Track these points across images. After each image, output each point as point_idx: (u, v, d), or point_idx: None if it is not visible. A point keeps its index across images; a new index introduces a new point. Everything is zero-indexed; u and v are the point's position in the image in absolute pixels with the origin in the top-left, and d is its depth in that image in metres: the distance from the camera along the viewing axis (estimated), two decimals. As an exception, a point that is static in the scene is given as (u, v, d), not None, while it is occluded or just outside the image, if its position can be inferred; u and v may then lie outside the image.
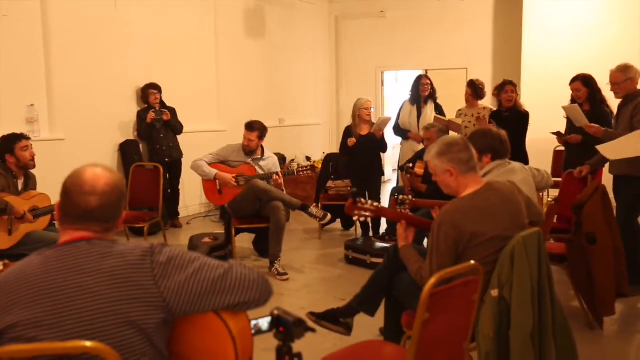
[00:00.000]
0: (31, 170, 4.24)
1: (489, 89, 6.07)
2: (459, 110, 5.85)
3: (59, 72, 5.60)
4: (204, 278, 1.51)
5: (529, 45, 7.98)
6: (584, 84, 4.60)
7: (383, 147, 5.73)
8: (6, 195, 3.88)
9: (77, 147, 5.69)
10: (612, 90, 4.26)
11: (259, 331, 1.66)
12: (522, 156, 4.89)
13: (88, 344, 1.34)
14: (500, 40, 8.85)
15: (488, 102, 6.29)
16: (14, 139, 4.06)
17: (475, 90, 5.70)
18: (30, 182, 4.24)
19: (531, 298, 2.34)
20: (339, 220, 6.22)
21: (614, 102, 4.51)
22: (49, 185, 4.39)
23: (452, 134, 5.26)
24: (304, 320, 1.72)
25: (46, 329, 1.39)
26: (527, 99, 6.09)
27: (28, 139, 4.16)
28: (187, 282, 1.50)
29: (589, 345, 3.34)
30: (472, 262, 2.08)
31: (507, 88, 5.31)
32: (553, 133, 4.88)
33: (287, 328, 1.69)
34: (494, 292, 2.34)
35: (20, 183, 4.15)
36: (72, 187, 1.55)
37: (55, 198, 4.15)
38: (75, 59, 5.74)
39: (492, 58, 8.95)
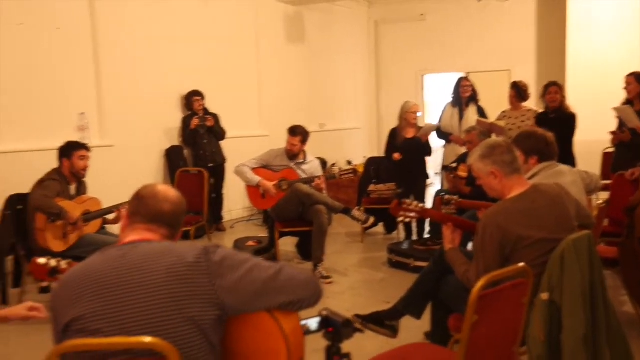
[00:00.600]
0: (81, 176, 4.40)
1: (533, 91, 5.95)
2: (503, 112, 5.75)
3: (108, 82, 5.80)
4: (255, 278, 1.56)
5: (574, 44, 7.79)
6: (637, 80, 4.49)
7: (428, 151, 5.73)
8: (61, 200, 4.04)
9: (126, 153, 5.89)
10: None
11: (308, 331, 1.69)
12: (569, 158, 4.78)
13: (147, 339, 1.40)
14: (544, 40, 8.67)
15: (532, 104, 6.16)
16: (75, 146, 4.22)
17: (519, 92, 5.59)
18: (82, 187, 4.39)
19: (583, 302, 2.29)
20: (381, 224, 6.22)
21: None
22: (99, 189, 4.59)
23: (494, 136, 5.19)
24: (353, 321, 1.75)
25: (109, 322, 1.46)
26: (573, 100, 5.93)
27: (88, 150, 4.29)
28: (240, 282, 1.54)
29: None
30: (521, 264, 2.06)
31: (551, 89, 5.20)
32: (611, 132, 4.79)
33: (336, 328, 1.71)
34: (544, 296, 2.30)
35: (73, 188, 4.30)
36: (146, 194, 1.71)
37: (106, 202, 4.33)
38: (123, 68, 5.94)
39: (535, 59, 8.77)
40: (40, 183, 4.10)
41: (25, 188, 4.26)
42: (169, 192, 1.73)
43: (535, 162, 3.04)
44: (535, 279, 2.24)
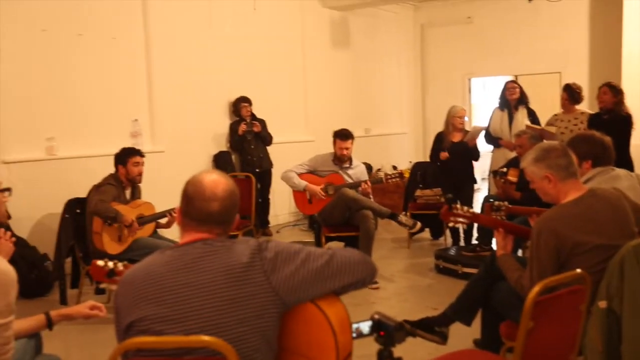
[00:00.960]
0: (135, 181, 4.53)
1: (585, 94, 5.77)
2: (555, 115, 5.62)
3: (159, 89, 5.98)
4: (310, 267, 1.59)
5: (630, 44, 7.51)
6: None
7: (475, 155, 5.63)
8: (116, 204, 4.18)
9: (176, 158, 6.03)
10: None
11: (360, 334, 1.69)
12: (625, 162, 4.61)
13: (206, 338, 1.44)
14: (597, 41, 8.37)
15: (585, 107, 5.98)
16: (130, 153, 4.35)
17: (571, 94, 5.44)
18: (136, 192, 4.53)
19: (644, 311, 2.21)
20: (427, 230, 6.16)
21: None
22: (152, 194, 4.72)
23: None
24: (405, 325, 1.74)
25: (172, 323, 1.50)
26: (629, 102, 5.73)
27: (142, 156, 4.42)
28: (296, 273, 1.57)
29: None
30: (579, 270, 2.01)
31: (601, 90, 5.05)
32: None
33: (388, 332, 1.71)
34: (602, 304, 2.23)
35: (128, 193, 4.44)
36: (194, 194, 1.65)
37: (158, 206, 4.45)
38: (173, 76, 6.10)
39: (588, 60, 8.48)
40: (97, 188, 4.26)
41: (83, 192, 4.44)
42: (217, 186, 1.64)
43: (589, 167, 2.96)
44: (593, 286, 2.18)
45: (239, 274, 1.54)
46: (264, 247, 1.60)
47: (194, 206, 1.64)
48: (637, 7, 7.46)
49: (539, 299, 1.86)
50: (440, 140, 5.64)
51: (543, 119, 5.83)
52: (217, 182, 1.65)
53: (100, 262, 2.25)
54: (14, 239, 2.31)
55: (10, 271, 1.79)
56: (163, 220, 4.42)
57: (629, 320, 2.19)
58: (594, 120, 5.05)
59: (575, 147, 2.88)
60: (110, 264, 2.26)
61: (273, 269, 1.56)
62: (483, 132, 5.84)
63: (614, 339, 2.24)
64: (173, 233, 4.72)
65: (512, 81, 6.04)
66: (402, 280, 4.90)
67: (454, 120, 5.58)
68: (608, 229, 2.34)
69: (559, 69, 8.63)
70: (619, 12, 7.63)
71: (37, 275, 4.58)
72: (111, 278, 2.24)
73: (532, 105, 5.99)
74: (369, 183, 4.97)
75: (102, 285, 3.41)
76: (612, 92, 5.03)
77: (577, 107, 5.50)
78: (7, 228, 2.24)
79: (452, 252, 5.17)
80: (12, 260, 1.85)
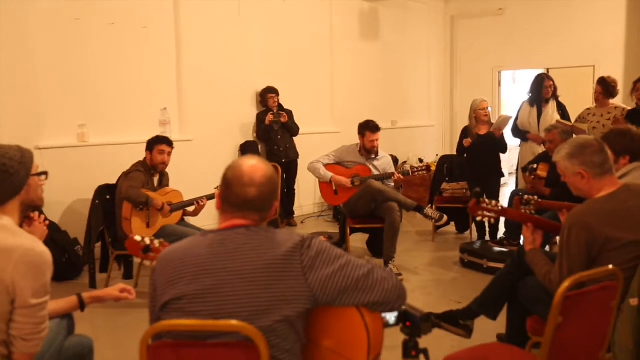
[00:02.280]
0: (164, 169, 4.59)
1: (620, 88, 5.63)
2: (588, 109, 5.50)
3: (188, 79, 6.04)
4: (348, 275, 1.58)
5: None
6: None
7: (503, 147, 5.56)
8: (145, 191, 4.25)
9: (203, 147, 6.11)
10: None
11: (386, 325, 1.70)
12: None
13: (238, 323, 1.46)
14: (634, 33, 8.18)
15: (619, 101, 5.85)
16: (158, 140, 4.41)
17: (606, 88, 5.32)
18: (164, 179, 4.60)
19: (677, 310, 2.17)
20: (452, 223, 6.13)
21: None
22: (180, 182, 4.78)
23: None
24: (432, 316, 1.74)
25: (207, 305, 1.53)
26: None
27: (171, 145, 4.46)
28: (333, 277, 1.57)
29: None
30: (611, 266, 1.99)
31: (638, 85, 4.93)
32: None
33: (414, 323, 1.71)
34: (634, 301, 2.20)
35: (156, 180, 4.51)
36: (232, 179, 1.65)
37: (185, 194, 4.51)
38: (202, 66, 6.16)
39: (624, 54, 8.30)
40: (126, 174, 4.34)
41: (112, 179, 4.53)
42: (256, 172, 1.65)
43: (627, 162, 2.90)
44: (625, 282, 2.15)
45: (278, 265, 1.55)
46: (307, 245, 1.60)
47: (232, 191, 1.65)
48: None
49: (569, 294, 1.84)
50: (466, 135, 5.58)
51: (574, 113, 5.71)
52: (256, 168, 1.66)
53: (138, 237, 2.30)
54: (47, 222, 2.37)
55: (46, 253, 1.83)
56: (190, 209, 4.48)
57: (661, 319, 2.17)
58: (631, 116, 4.94)
59: (612, 142, 2.82)
60: (147, 240, 2.30)
61: (312, 266, 1.57)
62: (511, 123, 5.74)
63: (644, 337, 2.21)
64: (200, 221, 4.79)
65: (549, 78, 5.83)
66: (427, 274, 4.89)
67: (477, 113, 5.53)
68: (642, 225, 2.30)
69: (593, 62, 8.46)
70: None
71: (67, 259, 4.70)
72: (146, 254, 2.29)
73: (563, 99, 5.88)
74: (397, 174, 4.96)
75: (142, 259, 3.43)
76: None
77: (611, 101, 5.38)
78: (40, 212, 2.29)
79: (478, 246, 5.13)
80: (44, 244, 1.89)
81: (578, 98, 7.20)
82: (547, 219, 3.49)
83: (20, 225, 1.95)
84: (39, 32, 4.90)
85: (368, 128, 5.08)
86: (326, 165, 5.17)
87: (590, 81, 7.89)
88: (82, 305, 2.20)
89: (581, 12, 8.43)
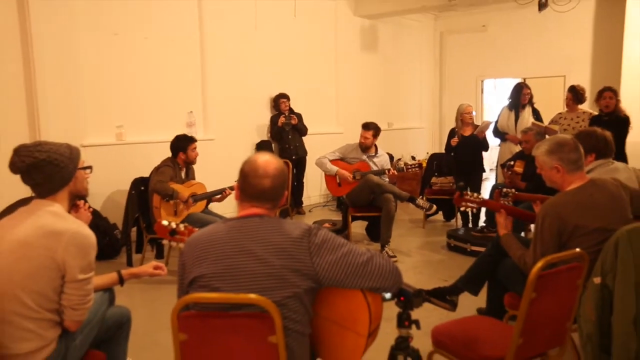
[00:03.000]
0: (190, 164, 4.60)
1: (587, 95, 5.60)
2: (559, 113, 5.48)
3: (211, 85, 6.04)
4: (350, 262, 1.58)
5: (630, 51, 7.23)
6: None
7: (485, 146, 5.55)
8: (173, 184, 4.27)
9: (224, 145, 6.11)
10: None
11: (383, 299, 1.70)
12: (621, 158, 4.48)
13: (256, 297, 1.48)
14: (600, 47, 8.11)
15: (587, 107, 5.82)
16: (189, 141, 4.41)
17: (576, 95, 5.30)
18: (190, 173, 4.61)
19: (635, 287, 2.17)
20: (440, 213, 6.12)
21: None
22: (204, 175, 4.81)
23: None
24: (423, 292, 1.75)
25: (228, 282, 1.54)
26: (627, 105, 5.55)
27: (196, 141, 4.49)
28: (337, 263, 1.57)
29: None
30: (578, 250, 1.99)
31: (605, 94, 4.90)
32: None
33: (407, 297, 1.73)
34: (597, 280, 2.20)
35: (183, 173, 4.52)
36: (249, 172, 1.65)
37: (209, 186, 4.53)
38: (223, 74, 6.15)
39: (591, 65, 8.24)
40: (157, 169, 4.36)
41: (146, 172, 4.55)
42: (269, 165, 1.64)
43: (593, 159, 2.90)
44: (589, 264, 2.15)
45: (287, 249, 1.56)
46: (314, 233, 1.59)
47: (248, 183, 1.65)
48: (637, 17, 7.17)
49: (542, 274, 1.84)
50: (452, 136, 5.58)
51: (547, 118, 5.69)
52: (269, 161, 1.66)
53: (165, 222, 2.30)
54: (91, 209, 2.39)
55: (91, 235, 1.85)
56: (217, 197, 4.51)
57: (620, 295, 2.16)
58: (595, 121, 4.91)
59: (581, 141, 2.81)
60: (173, 224, 2.30)
61: (317, 252, 1.56)
62: (492, 126, 5.74)
63: (605, 311, 2.21)
64: (222, 209, 4.81)
65: (526, 86, 5.79)
66: (418, 256, 4.89)
67: (463, 116, 5.52)
68: (606, 215, 2.30)
69: (564, 72, 8.39)
70: (621, 21, 7.36)
71: (108, 242, 4.73)
72: (173, 236, 2.28)
73: (537, 105, 5.85)
74: (392, 171, 4.96)
75: (170, 242, 3.43)
76: (615, 97, 4.89)
77: (580, 107, 5.36)
78: (86, 201, 2.31)
79: (462, 232, 5.12)
80: (90, 227, 1.91)
81: (551, 104, 7.15)
82: (523, 209, 3.50)
83: (69, 212, 1.97)
84: (84, 45, 4.93)
85: (363, 126, 5.14)
86: (331, 161, 5.18)
87: (561, 89, 7.83)
88: (121, 281, 2.22)
89: (554, 29, 8.35)
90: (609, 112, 4.84)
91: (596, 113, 5.13)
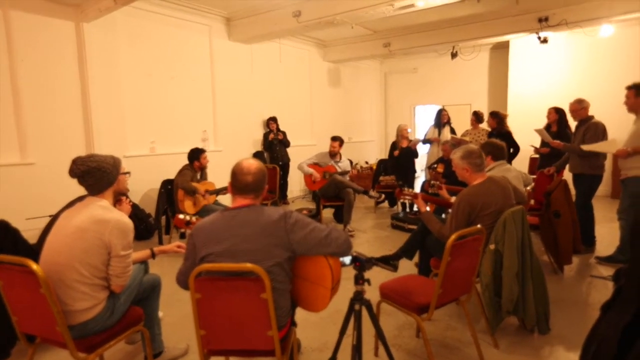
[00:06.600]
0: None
1: (486, 117, 5.73)
2: (467, 130, 5.59)
3: (220, 110, 5.93)
4: (315, 236, 1.59)
5: (513, 87, 7.47)
6: (555, 112, 4.32)
7: (416, 154, 5.63)
8: (193, 183, 4.19)
9: (229, 155, 6.00)
10: (571, 115, 3.94)
11: (343, 264, 1.72)
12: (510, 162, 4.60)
13: (250, 265, 1.47)
14: (493, 84, 8.35)
15: (485, 125, 5.97)
16: (200, 152, 4.34)
17: (477, 117, 5.43)
18: (204, 175, 4.53)
19: (517, 251, 2.25)
20: (386, 202, 6.17)
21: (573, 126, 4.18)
22: (214, 177, 4.72)
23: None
24: (373, 258, 1.77)
25: (228, 258, 1.53)
26: (512, 124, 5.72)
27: (205, 151, 4.42)
28: (305, 237, 1.57)
29: (555, 283, 3.16)
30: (479, 226, 2.04)
31: (500, 116, 5.02)
32: (532, 146, 4.59)
33: (361, 263, 1.74)
34: (492, 246, 2.27)
35: (198, 175, 4.46)
36: (237, 171, 1.65)
37: (218, 185, 4.45)
38: (229, 103, 6.05)
39: (487, 96, 8.47)
40: (180, 172, 4.28)
41: (171, 175, 4.46)
42: (251, 165, 1.63)
43: (490, 160, 2.97)
44: (487, 236, 2.21)
45: (270, 229, 1.55)
46: (289, 216, 1.59)
47: (236, 179, 1.64)
48: (517, 64, 7.41)
49: (455, 243, 1.89)
50: (394, 147, 5.64)
51: (459, 132, 5.81)
52: (251, 163, 1.66)
53: (181, 216, 2.27)
54: (131, 203, 2.33)
55: (130, 222, 1.81)
56: (224, 192, 4.45)
57: (507, 256, 2.24)
58: (490, 134, 5.04)
59: (484, 148, 2.89)
60: (188, 217, 2.29)
61: (292, 230, 1.56)
62: (420, 142, 5.83)
63: (497, 268, 2.29)
64: (227, 201, 4.74)
65: (445, 110, 5.91)
66: (371, 233, 4.92)
67: (402, 132, 5.58)
68: (498, 201, 2.36)
69: (469, 101, 8.58)
70: (506, 66, 7.59)
71: (144, 227, 4.62)
72: (188, 225, 2.27)
73: (453, 124, 5.98)
74: (352, 172, 4.97)
75: (182, 230, 3.37)
76: (493, 119, 5.00)
77: (481, 125, 5.49)
78: (127, 197, 2.26)
79: (402, 215, 5.17)
80: (129, 217, 1.87)
81: (461, 123, 7.31)
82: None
83: (114, 205, 1.92)
84: (127, 83, 4.79)
85: (331, 139, 5.14)
86: (309, 165, 5.17)
87: (468, 113, 8.02)
88: (153, 255, 2.17)
89: (462, 71, 8.53)
90: (494, 128, 4.98)
91: (490, 130, 5.26)
